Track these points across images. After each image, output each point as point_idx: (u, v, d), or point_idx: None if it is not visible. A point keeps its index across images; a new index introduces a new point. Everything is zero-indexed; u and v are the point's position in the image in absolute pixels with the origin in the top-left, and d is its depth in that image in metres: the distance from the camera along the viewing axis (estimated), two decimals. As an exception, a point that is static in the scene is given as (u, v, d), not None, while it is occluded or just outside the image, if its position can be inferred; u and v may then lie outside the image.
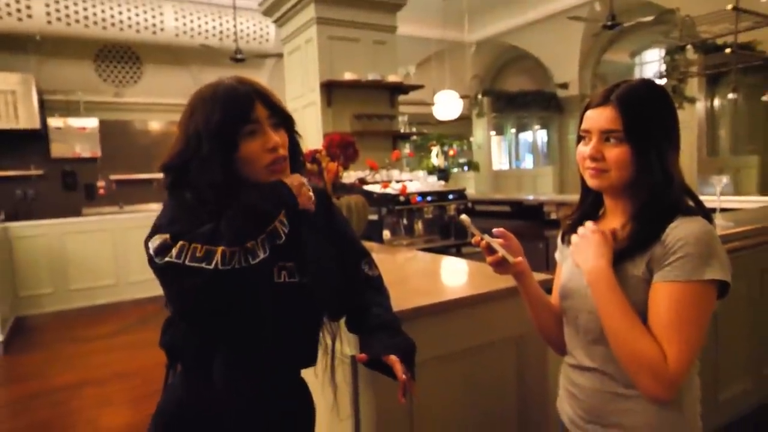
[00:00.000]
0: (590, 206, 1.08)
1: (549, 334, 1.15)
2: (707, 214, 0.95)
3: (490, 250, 1.05)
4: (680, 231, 0.90)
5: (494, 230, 1.07)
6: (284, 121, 0.99)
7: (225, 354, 0.96)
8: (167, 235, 0.86)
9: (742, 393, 2.41)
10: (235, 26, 5.70)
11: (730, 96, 3.62)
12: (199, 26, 6.53)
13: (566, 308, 1.08)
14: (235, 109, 0.92)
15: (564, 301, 1.08)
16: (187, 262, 0.83)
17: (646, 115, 0.94)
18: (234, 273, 0.84)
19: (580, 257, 0.99)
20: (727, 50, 3.52)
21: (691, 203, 0.96)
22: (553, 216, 4.55)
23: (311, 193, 0.98)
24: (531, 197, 5.24)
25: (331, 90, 4.01)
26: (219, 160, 0.92)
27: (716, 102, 5.92)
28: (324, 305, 1.06)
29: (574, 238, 1.02)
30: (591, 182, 1.00)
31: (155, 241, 0.86)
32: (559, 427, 1.13)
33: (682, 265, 0.88)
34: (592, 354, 1.01)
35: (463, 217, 1.03)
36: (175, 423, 1.00)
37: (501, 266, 1.06)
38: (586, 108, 1.00)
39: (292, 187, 0.94)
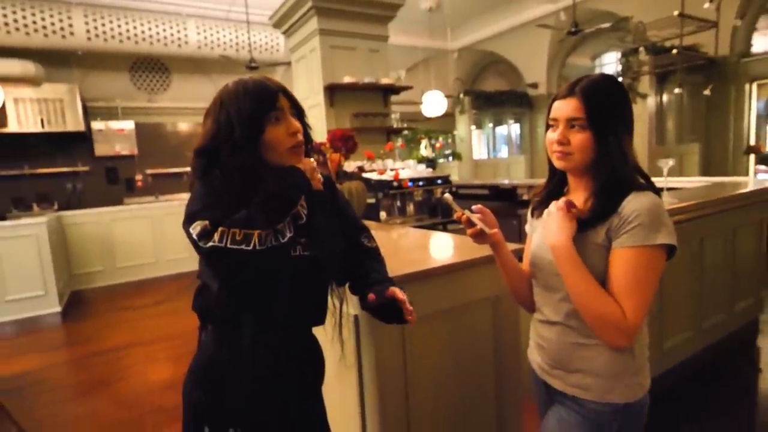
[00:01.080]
0: (556, 185, 1.08)
1: (520, 295, 1.17)
2: (656, 189, 0.96)
3: (470, 223, 1.06)
4: (634, 204, 0.91)
5: (473, 207, 1.08)
6: (300, 113, 1.01)
7: (251, 315, 0.98)
8: (206, 222, 0.87)
9: (683, 342, 2.45)
10: (249, 38, 5.62)
11: (677, 91, 3.60)
12: (218, 39, 6.43)
13: (536, 272, 1.09)
14: (263, 98, 0.94)
15: (535, 267, 1.09)
16: (228, 245, 0.85)
17: (605, 105, 0.94)
18: (269, 251, 0.87)
19: (547, 233, 1.00)
20: (674, 51, 3.48)
21: (642, 181, 0.97)
22: (525, 197, 4.56)
23: (320, 176, 0.99)
24: (506, 181, 5.24)
25: (333, 92, 3.97)
26: (249, 143, 0.93)
27: (664, 97, 5.87)
28: (332, 274, 1.08)
29: (545, 214, 1.03)
30: (558, 164, 1.00)
31: (196, 228, 0.87)
32: (530, 373, 1.16)
33: (636, 232, 0.89)
34: (559, 310, 1.02)
35: (446, 195, 1.05)
36: (207, 374, 1.01)
37: (479, 237, 1.07)
38: (554, 100, 1.01)
39: (305, 171, 0.95)
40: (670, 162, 2.37)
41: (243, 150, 0.92)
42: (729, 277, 2.68)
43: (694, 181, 3.46)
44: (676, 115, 5.84)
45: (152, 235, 5.65)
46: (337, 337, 1.20)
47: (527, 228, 1.20)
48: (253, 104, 0.93)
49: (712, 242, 2.50)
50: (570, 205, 0.98)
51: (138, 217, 5.64)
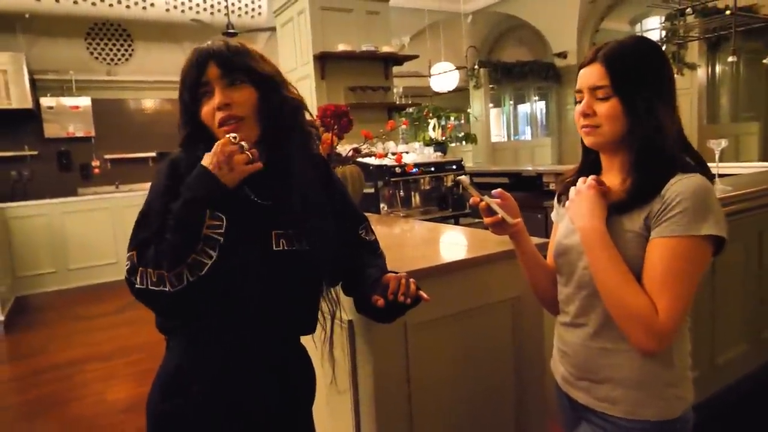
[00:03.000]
0: (589, 168, 1.08)
1: (543, 294, 1.17)
2: (707, 171, 0.95)
3: (489, 211, 1.05)
4: (678, 187, 0.90)
5: (493, 191, 1.07)
6: (250, 78, 0.97)
7: (223, 323, 0.97)
8: (134, 252, 0.91)
9: (739, 356, 2.44)
10: (226, -1, 5.58)
11: (730, 60, 3.56)
12: (190, 0, 6.40)
13: (561, 264, 1.08)
14: (188, 75, 0.97)
15: (559, 258, 1.08)
16: (150, 287, 0.88)
17: (631, 67, 0.94)
18: (190, 287, 0.88)
19: (575, 214, 0.99)
20: (727, 12, 3.45)
21: (690, 161, 0.96)
22: (552, 186, 4.55)
23: (245, 154, 0.92)
24: (530, 168, 5.23)
25: (325, 62, 3.95)
26: (184, 122, 1.01)
27: (717, 68, 5.85)
28: (323, 272, 1.06)
29: (571, 192, 1.02)
30: (586, 140, 1.01)
31: (127, 263, 0.91)
32: (554, 388, 1.15)
33: (678, 220, 0.88)
34: (585, 309, 1.02)
35: (463, 177, 1.04)
36: (173, 385, 1.01)
37: (499, 227, 1.07)
38: (579, 69, 1.01)
39: (212, 164, 0.90)
40: (723, 143, 2.36)
41: (181, 129, 1.01)
42: (752, 297, 2.63)
43: (752, 167, 3.45)
44: (731, 88, 5.81)
45: (112, 231, 5.65)
46: (328, 355, 1.19)
47: (553, 216, 1.19)
48: (181, 80, 0.98)
49: (758, 242, 2.46)
50: (599, 183, 0.98)
51: (95, 209, 5.64)
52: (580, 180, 1.01)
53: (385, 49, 4.11)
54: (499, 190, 1.07)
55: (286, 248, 0.98)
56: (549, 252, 1.18)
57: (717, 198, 0.92)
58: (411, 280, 1.00)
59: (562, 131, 8.96)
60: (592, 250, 0.94)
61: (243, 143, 0.92)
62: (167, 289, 0.87)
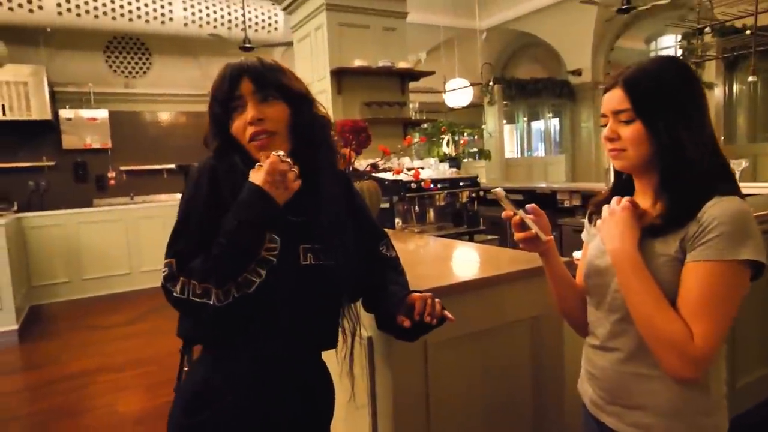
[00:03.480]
0: (622, 189, 1.08)
1: (572, 315, 1.15)
2: (741, 194, 0.94)
3: (522, 226, 1.04)
4: (716, 210, 0.89)
5: (527, 207, 1.06)
6: (283, 95, 0.99)
7: (249, 335, 0.98)
8: (173, 260, 0.92)
9: (760, 380, 2.41)
10: (244, 14, 5.71)
11: (750, 79, 3.55)
12: (208, 15, 6.53)
13: (592, 286, 1.07)
14: (219, 89, 0.99)
15: (590, 279, 1.08)
16: (191, 297, 0.89)
17: (652, 90, 0.95)
18: (236, 303, 0.90)
19: (606, 236, 0.99)
20: (747, 32, 3.46)
21: (724, 180, 0.95)
22: (567, 204, 4.54)
23: (293, 170, 0.94)
24: (544, 185, 5.22)
25: (341, 77, 4.01)
26: (214, 134, 1.01)
27: (734, 87, 5.83)
28: (346, 287, 1.07)
29: (604, 211, 1.02)
30: (615, 164, 1.01)
31: (165, 269, 0.92)
32: (581, 409, 1.14)
33: (716, 244, 0.87)
34: (617, 333, 1.01)
35: (498, 189, 1.01)
36: (197, 400, 1.02)
37: (531, 243, 1.05)
38: (604, 93, 1.02)
39: (266, 182, 0.91)
40: (744, 163, 2.35)
41: (212, 142, 1.01)
42: None
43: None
44: (749, 108, 5.78)
45: (126, 242, 5.71)
46: (347, 371, 1.19)
47: (584, 236, 1.19)
48: (213, 94, 1.00)
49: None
50: (634, 205, 0.98)
51: (109, 220, 5.71)
52: (614, 200, 1.00)
53: (402, 64, 4.16)
54: (532, 205, 1.06)
55: (313, 263, 1.00)
56: (579, 272, 1.17)
57: (755, 221, 0.91)
58: (436, 300, 1.00)
59: (575, 149, 8.94)
60: (624, 273, 0.94)
61: (289, 160, 0.94)
62: (212, 303, 0.88)
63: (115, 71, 7.04)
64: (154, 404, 3.00)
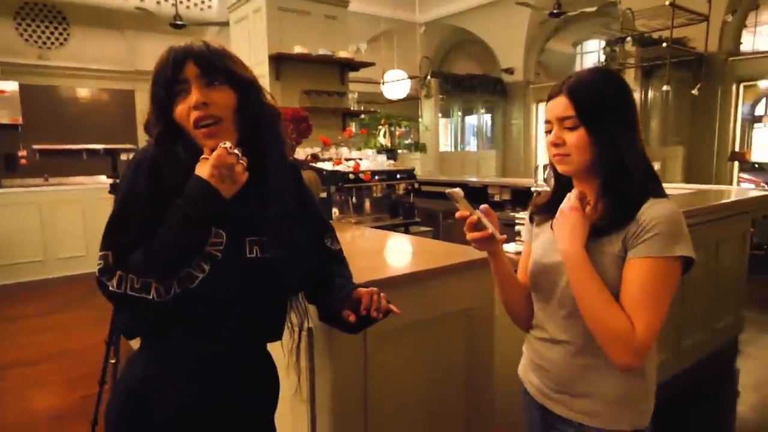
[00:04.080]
0: (562, 191, 1.13)
1: (516, 310, 1.20)
2: (666, 195, 1.03)
3: (476, 226, 1.06)
4: (653, 211, 0.97)
5: (481, 207, 1.08)
6: (229, 81, 0.96)
7: (191, 328, 0.97)
8: (109, 252, 0.88)
9: (662, 363, 2.65)
10: (175, -11, 5.41)
11: (665, 88, 3.86)
12: (136, -13, 6.15)
13: (539, 284, 1.13)
14: (162, 71, 0.95)
15: (537, 277, 1.13)
16: (128, 292, 0.87)
17: (594, 98, 1.01)
18: (178, 298, 0.89)
19: (558, 235, 1.04)
20: (664, 44, 3.74)
21: (655, 183, 1.03)
22: (497, 198, 4.72)
23: (241, 163, 0.91)
24: (475, 179, 5.39)
25: (280, 64, 3.93)
26: (156, 119, 0.97)
27: (649, 95, 6.29)
28: (293, 280, 1.06)
29: (558, 213, 1.06)
30: (559, 168, 1.07)
31: (100, 262, 0.88)
32: (522, 395, 1.20)
33: (654, 242, 0.95)
34: (565, 328, 1.07)
35: (457, 190, 1.03)
36: (135, 395, 0.99)
37: (484, 243, 1.08)
38: (547, 101, 1.08)
39: (212, 176, 0.89)
40: (656, 166, 2.54)
41: (154, 127, 0.96)
42: (710, 293, 2.93)
43: (677, 188, 3.74)
44: (661, 114, 6.26)
45: (40, 228, 5.31)
46: (294, 364, 1.19)
47: (524, 234, 1.25)
48: (155, 77, 0.96)
49: (696, 256, 2.72)
50: (582, 197, 1.03)
51: (21, 203, 5.28)
52: (567, 197, 1.05)
53: (342, 54, 4.13)
54: (485, 206, 1.09)
55: (259, 255, 0.98)
56: (520, 268, 1.23)
57: (685, 221, 1.00)
58: (382, 294, 1.03)
59: (506, 145, 9.31)
60: (573, 271, 1.00)
61: (236, 151, 0.91)
62: (150, 297, 0.86)
63: (27, 40, 6.47)
64: (72, 398, 2.83)
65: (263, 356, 1.11)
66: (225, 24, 4.63)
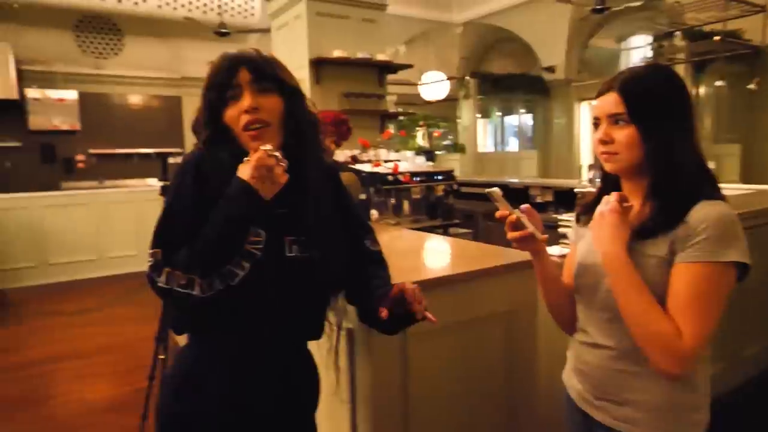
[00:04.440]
0: (609, 191, 1.08)
1: (560, 313, 1.17)
2: (724, 196, 0.97)
3: (516, 225, 1.05)
4: (703, 213, 0.92)
5: (522, 207, 1.06)
6: (278, 88, 1.00)
7: (235, 324, 0.99)
8: (158, 251, 0.93)
9: (719, 374, 2.51)
10: (220, -2, 5.57)
11: (718, 84, 3.67)
12: (183, -3, 6.36)
13: (582, 285, 1.09)
14: (216, 76, 0.99)
15: (580, 279, 1.10)
16: (175, 288, 0.91)
17: (647, 95, 0.97)
18: (219, 294, 0.92)
19: (597, 238, 1.00)
20: (716, 38, 3.56)
21: (710, 185, 0.98)
22: (539, 199, 4.61)
23: (281, 165, 0.94)
24: (516, 180, 5.29)
25: (320, 67, 3.97)
26: (207, 122, 1.00)
27: (701, 91, 6.00)
28: (331, 279, 1.08)
29: (596, 212, 1.03)
30: (606, 166, 1.03)
31: (150, 259, 0.93)
32: (566, 400, 1.16)
33: (704, 246, 0.90)
34: (607, 332, 1.03)
35: (495, 189, 1.01)
36: (186, 386, 1.03)
37: (525, 242, 1.06)
38: (596, 98, 1.04)
39: (252, 177, 0.91)
40: (711, 165, 2.42)
41: (203, 130, 1.00)
42: None
43: (734, 188, 3.54)
44: (714, 111, 5.97)
45: (95, 227, 5.56)
46: (333, 363, 1.20)
47: (570, 235, 1.21)
48: (208, 81, 1.00)
49: (756, 260, 2.54)
50: (623, 199, 0.99)
51: (77, 204, 5.55)
52: (604, 199, 1.02)
53: (380, 56, 4.14)
54: (526, 205, 1.06)
55: (298, 254, 1.00)
56: (566, 270, 1.19)
57: (740, 224, 0.94)
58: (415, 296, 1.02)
59: (548, 144, 9.08)
60: (614, 274, 0.96)
61: (277, 154, 0.94)
62: (195, 293, 0.90)
63: (84, 51, 6.80)
64: (124, 391, 2.94)
65: (305, 355, 1.12)
66: (266, 30, 4.73)
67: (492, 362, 1.55)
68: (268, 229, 0.97)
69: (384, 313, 0.98)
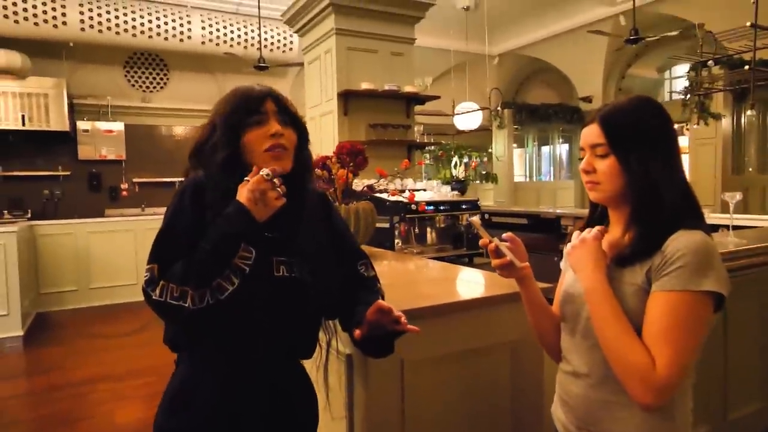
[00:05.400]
0: (597, 219, 1.13)
1: (547, 341, 1.19)
2: (706, 226, 0.98)
3: (498, 253, 1.10)
4: (679, 242, 0.93)
5: (504, 235, 1.12)
6: (295, 124, 1.12)
7: (226, 340, 1.05)
8: (155, 266, 0.99)
9: (753, 413, 2.39)
10: (260, 35, 5.86)
11: (749, 113, 3.59)
12: (225, 34, 6.72)
13: (566, 313, 1.11)
14: (244, 102, 1.09)
15: (564, 306, 1.12)
16: (168, 300, 0.97)
17: (626, 127, 1.00)
18: (208, 308, 0.98)
19: (577, 263, 1.03)
20: (746, 67, 3.50)
21: (691, 216, 0.99)
22: (570, 230, 4.55)
23: (277, 190, 1.03)
24: (550, 209, 5.24)
25: (348, 99, 4.11)
26: (226, 144, 1.06)
27: (743, 119, 5.84)
28: (320, 301, 1.13)
29: (574, 237, 1.06)
30: (590, 195, 1.07)
31: (146, 274, 1.00)
32: None
33: (679, 275, 0.91)
34: (588, 360, 1.04)
35: (474, 218, 1.09)
36: (177, 402, 1.08)
37: (506, 269, 1.11)
38: (582, 128, 1.08)
39: (249, 200, 1.00)
40: (738, 196, 2.37)
41: (221, 149, 1.06)
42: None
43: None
44: (758, 139, 5.78)
45: (134, 253, 5.82)
46: (322, 381, 1.24)
47: (562, 264, 1.23)
48: (234, 106, 1.09)
49: (740, 306, 2.31)
50: (602, 233, 1.02)
51: (120, 230, 5.83)
52: (586, 230, 1.05)
53: (408, 88, 4.25)
54: (509, 234, 1.12)
55: (286, 275, 1.07)
56: (555, 299, 1.21)
57: (718, 254, 0.94)
58: (398, 313, 1.06)
59: (585, 174, 8.93)
60: (592, 300, 0.98)
61: (275, 179, 1.03)
62: (187, 305, 0.96)
63: (133, 85, 7.24)
64: (151, 415, 3.02)
65: (297, 373, 1.17)
66: (301, 64, 4.94)
67: (496, 393, 1.55)
68: (259, 249, 1.03)
69: (356, 332, 1.04)
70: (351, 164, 2.15)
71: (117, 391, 3.45)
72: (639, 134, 0.99)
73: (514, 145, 8.98)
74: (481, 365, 1.52)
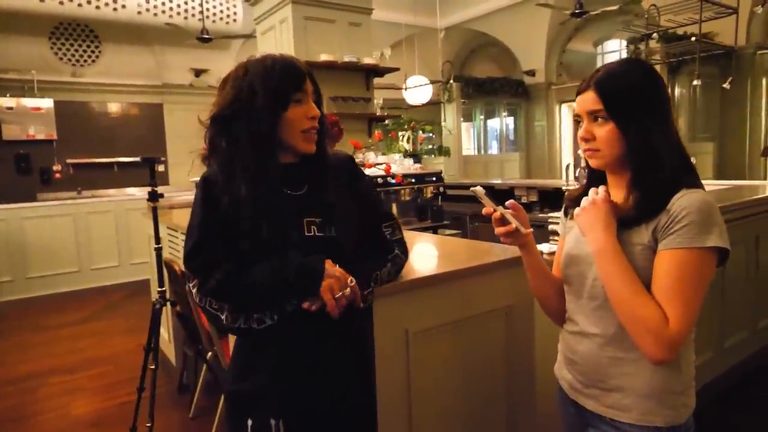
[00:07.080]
0: (595, 185, 1.12)
1: (549, 305, 1.20)
2: (702, 185, 1.01)
3: (502, 221, 1.09)
4: (684, 201, 0.95)
5: (507, 203, 1.11)
6: (319, 102, 1.14)
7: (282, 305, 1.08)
8: (197, 279, 1.05)
9: (703, 364, 2.59)
10: (201, 4, 5.53)
11: (695, 83, 3.79)
12: (163, 3, 6.30)
13: (570, 275, 1.12)
14: (293, 74, 1.07)
15: (568, 269, 1.13)
16: (207, 307, 1.05)
17: (623, 90, 1.00)
18: (240, 329, 1.05)
19: (586, 225, 1.03)
20: (692, 39, 3.68)
21: (689, 175, 1.02)
22: (524, 200, 4.68)
23: (345, 293, 1.04)
24: (500, 181, 5.36)
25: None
26: (269, 115, 1.04)
27: (676, 91, 6.17)
28: (348, 257, 1.12)
29: (583, 201, 1.06)
30: (591, 162, 1.06)
31: (190, 283, 1.08)
32: (558, 393, 1.19)
33: (685, 232, 0.93)
34: (595, 320, 1.06)
35: (478, 188, 1.05)
36: (245, 368, 1.13)
37: (511, 237, 1.10)
38: (576, 96, 1.07)
39: (329, 289, 1.02)
40: (693, 160, 2.50)
41: (263, 118, 1.03)
42: (751, 290, 2.85)
43: (710, 184, 3.65)
44: (689, 110, 6.14)
45: (74, 239, 5.47)
46: None
47: (559, 228, 1.24)
48: (282, 77, 1.06)
49: (732, 252, 2.63)
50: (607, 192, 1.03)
51: (56, 215, 5.45)
52: (592, 191, 1.05)
53: (366, 60, 4.17)
54: (511, 201, 1.11)
55: (317, 234, 1.08)
56: (555, 263, 1.22)
57: (719, 212, 0.97)
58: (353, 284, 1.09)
59: (530, 146, 9.22)
60: (603, 260, 0.98)
61: (353, 287, 1.06)
62: (223, 318, 1.04)
63: (61, 59, 6.67)
64: (112, 404, 2.89)
65: (346, 326, 1.13)
66: (250, 36, 4.72)
67: (493, 356, 1.58)
68: (289, 213, 1.07)
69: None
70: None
71: (71, 383, 3.25)
72: (636, 98, 1.00)
73: (462, 118, 9.08)
74: (477, 331, 1.54)
